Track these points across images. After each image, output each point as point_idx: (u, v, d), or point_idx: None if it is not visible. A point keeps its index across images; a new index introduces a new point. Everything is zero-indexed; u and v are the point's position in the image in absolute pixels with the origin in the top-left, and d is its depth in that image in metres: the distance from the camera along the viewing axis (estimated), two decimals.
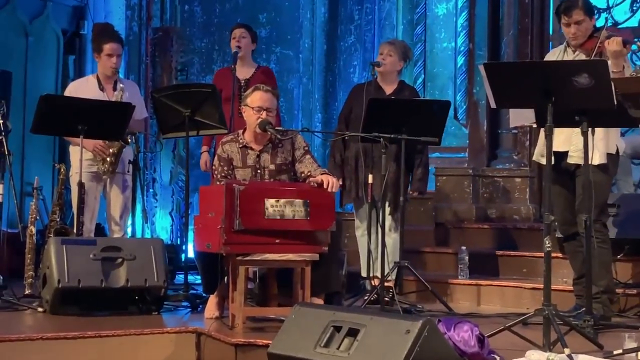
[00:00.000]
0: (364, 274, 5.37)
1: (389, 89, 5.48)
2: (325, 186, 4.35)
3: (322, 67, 8.17)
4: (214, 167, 4.77)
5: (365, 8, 7.93)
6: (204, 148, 5.88)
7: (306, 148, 4.74)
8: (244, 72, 5.77)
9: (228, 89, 5.61)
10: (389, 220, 5.29)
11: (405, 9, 7.50)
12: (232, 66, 5.66)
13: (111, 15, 7.64)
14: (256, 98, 4.66)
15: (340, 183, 5.39)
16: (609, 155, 4.53)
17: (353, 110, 5.41)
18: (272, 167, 4.67)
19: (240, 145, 4.69)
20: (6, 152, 4.99)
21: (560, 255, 5.11)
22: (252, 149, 4.69)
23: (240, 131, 4.76)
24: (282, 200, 4.23)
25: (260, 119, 4.60)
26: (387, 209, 5.25)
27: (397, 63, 5.44)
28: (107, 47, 5.44)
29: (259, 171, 4.66)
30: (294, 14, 8.14)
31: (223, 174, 4.66)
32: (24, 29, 7.27)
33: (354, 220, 5.62)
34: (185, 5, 8.00)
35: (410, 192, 5.45)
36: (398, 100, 5.24)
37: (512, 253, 5.84)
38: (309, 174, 4.60)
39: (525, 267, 5.67)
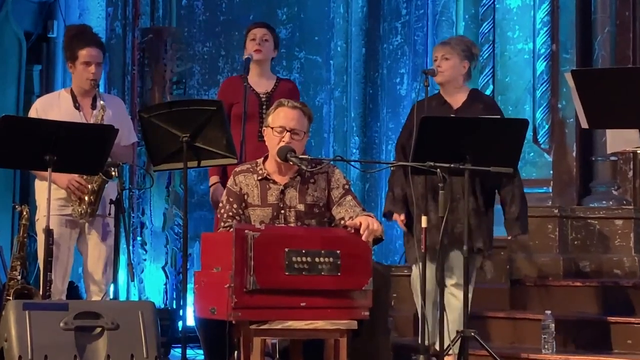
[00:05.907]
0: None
1: (456, 102, 5.50)
2: (361, 231, 4.35)
3: (359, 76, 8.21)
4: (220, 205, 4.79)
5: (416, 1, 7.97)
6: (214, 179, 5.83)
7: (346, 187, 4.76)
8: (263, 84, 5.81)
9: (242, 103, 5.63)
10: (454, 275, 5.30)
11: (468, 1, 7.52)
12: (244, 76, 5.67)
13: (87, 13, 7.74)
14: (279, 116, 4.69)
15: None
16: None
17: (413, 136, 5.40)
18: (300, 207, 4.69)
19: (260, 178, 4.72)
20: None
21: None
22: (274, 182, 4.71)
23: (260, 160, 4.79)
24: (308, 250, 4.24)
25: (281, 144, 4.62)
26: (450, 261, 5.27)
27: (459, 66, 5.45)
28: (84, 53, 5.51)
29: (282, 212, 4.68)
30: (323, 9, 8.22)
31: (231, 213, 4.68)
32: None
33: (402, 275, 5.62)
34: None
35: (509, 238, 5.49)
36: (458, 120, 5.24)
37: (613, 319, 5.79)
38: (350, 220, 4.57)
39: (631, 337, 5.63)
